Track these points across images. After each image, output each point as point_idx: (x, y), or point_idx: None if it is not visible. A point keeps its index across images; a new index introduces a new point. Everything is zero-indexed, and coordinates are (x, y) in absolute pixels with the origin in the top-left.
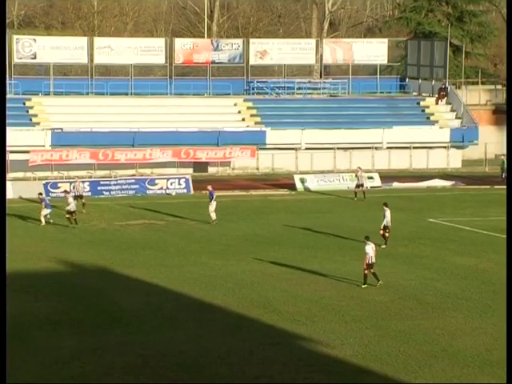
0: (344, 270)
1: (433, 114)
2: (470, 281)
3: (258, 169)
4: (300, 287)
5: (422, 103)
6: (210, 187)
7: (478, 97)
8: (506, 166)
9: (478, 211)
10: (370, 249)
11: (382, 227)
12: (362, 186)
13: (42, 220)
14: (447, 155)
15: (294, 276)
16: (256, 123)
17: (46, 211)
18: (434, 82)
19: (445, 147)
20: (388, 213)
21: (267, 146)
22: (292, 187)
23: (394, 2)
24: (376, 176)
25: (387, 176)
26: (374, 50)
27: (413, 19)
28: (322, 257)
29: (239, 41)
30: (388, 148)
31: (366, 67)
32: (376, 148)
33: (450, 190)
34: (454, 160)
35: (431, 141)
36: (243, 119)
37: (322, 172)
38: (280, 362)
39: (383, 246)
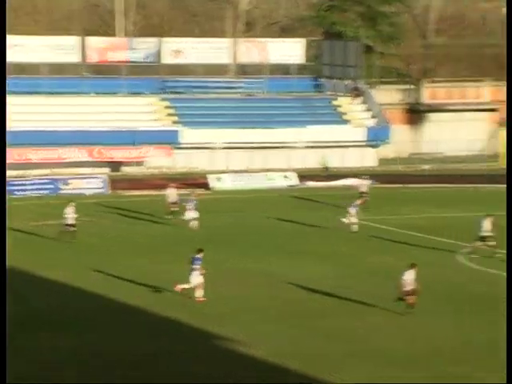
0: (262, 268)
1: (346, 114)
2: (389, 279)
3: (173, 168)
4: (220, 287)
5: (335, 102)
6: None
7: (390, 96)
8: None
9: (392, 209)
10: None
11: None
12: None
13: None
14: (362, 154)
15: (214, 276)
16: (173, 122)
17: None
18: (347, 81)
19: (359, 146)
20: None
21: (183, 146)
22: (208, 187)
23: (309, 2)
24: (292, 175)
25: (303, 175)
26: (288, 50)
27: (327, 19)
28: (239, 256)
29: (154, 40)
30: (303, 147)
31: (281, 67)
32: (291, 147)
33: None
34: (368, 159)
35: (346, 140)
36: (158, 118)
37: (238, 171)
38: (199, 361)
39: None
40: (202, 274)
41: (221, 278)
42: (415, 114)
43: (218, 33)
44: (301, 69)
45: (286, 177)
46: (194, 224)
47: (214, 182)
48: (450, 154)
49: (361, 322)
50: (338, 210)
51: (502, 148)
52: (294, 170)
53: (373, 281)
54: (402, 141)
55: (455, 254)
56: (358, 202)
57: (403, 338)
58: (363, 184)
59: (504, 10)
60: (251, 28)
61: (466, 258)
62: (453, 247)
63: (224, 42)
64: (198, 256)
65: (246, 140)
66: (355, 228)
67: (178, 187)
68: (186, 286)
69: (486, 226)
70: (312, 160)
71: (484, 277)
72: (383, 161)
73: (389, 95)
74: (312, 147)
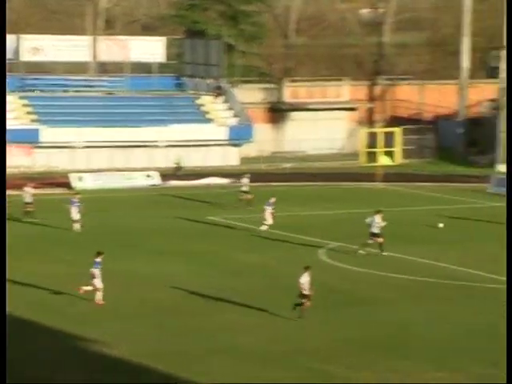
0: (125, 268)
1: (209, 113)
2: (249, 277)
3: (33, 168)
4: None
5: (198, 101)
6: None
7: (253, 95)
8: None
9: (255, 208)
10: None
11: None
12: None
13: None
14: (224, 153)
15: (77, 277)
16: (32, 121)
17: None
18: (209, 80)
19: (222, 145)
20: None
21: (44, 145)
22: (69, 186)
23: (170, 0)
24: (155, 174)
25: (166, 174)
26: (150, 48)
27: (188, 17)
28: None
29: (12, 37)
30: (166, 146)
31: (143, 65)
32: (154, 146)
33: (228, 188)
34: (230, 158)
35: (208, 138)
36: (17, 117)
37: (100, 170)
38: (59, 363)
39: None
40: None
41: (84, 279)
42: (277, 112)
43: (78, 30)
44: (162, 67)
45: (148, 176)
46: (77, 226)
47: (75, 181)
48: (311, 153)
49: (222, 320)
50: (200, 208)
51: (361, 147)
52: (156, 169)
53: (236, 279)
54: (265, 140)
55: (318, 251)
56: (272, 199)
57: (265, 336)
58: (245, 183)
59: (362, 11)
60: (112, 26)
61: (327, 255)
62: (316, 245)
63: (84, 40)
64: (98, 260)
65: (107, 139)
66: (265, 228)
67: (36, 187)
68: (89, 288)
69: (377, 221)
70: (182, 159)
71: (346, 274)
72: (245, 160)
73: (251, 94)
74: (174, 146)
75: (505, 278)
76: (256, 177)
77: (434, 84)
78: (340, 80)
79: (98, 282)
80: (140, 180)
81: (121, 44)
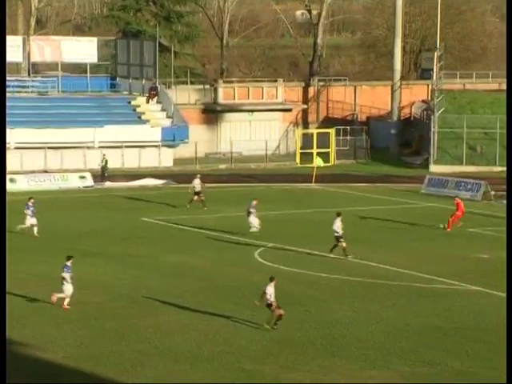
0: (53, 272)
1: (144, 113)
2: (183, 278)
3: None
4: (9, 290)
5: (132, 102)
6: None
7: (187, 96)
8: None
9: (189, 210)
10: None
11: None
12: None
13: None
14: (159, 154)
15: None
16: None
17: None
18: (144, 81)
19: (156, 146)
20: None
21: None
22: None
23: (102, 1)
24: (88, 175)
25: (99, 175)
26: (83, 49)
27: (121, 18)
28: (31, 259)
29: None
30: (100, 147)
31: (76, 66)
32: (88, 147)
33: (162, 189)
34: (165, 159)
35: (143, 140)
36: None
37: (33, 172)
38: None
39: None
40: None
41: (16, 282)
42: (211, 113)
43: (10, 30)
44: (95, 68)
45: (81, 177)
46: (34, 231)
47: (8, 183)
48: (246, 154)
49: (155, 322)
50: (136, 210)
51: (296, 148)
52: (90, 171)
53: (171, 280)
54: (199, 141)
55: (253, 252)
56: (254, 202)
57: (197, 337)
58: (197, 183)
59: (296, 12)
60: (44, 26)
61: (262, 256)
62: (251, 246)
63: (16, 40)
64: (68, 263)
65: (40, 140)
66: (255, 229)
67: None
68: (61, 295)
69: (337, 225)
70: (110, 160)
71: (281, 275)
72: (180, 161)
73: (185, 95)
74: (108, 147)
75: (436, 278)
76: (190, 178)
77: (368, 85)
78: (275, 81)
79: (68, 287)
80: (74, 181)
81: (53, 44)
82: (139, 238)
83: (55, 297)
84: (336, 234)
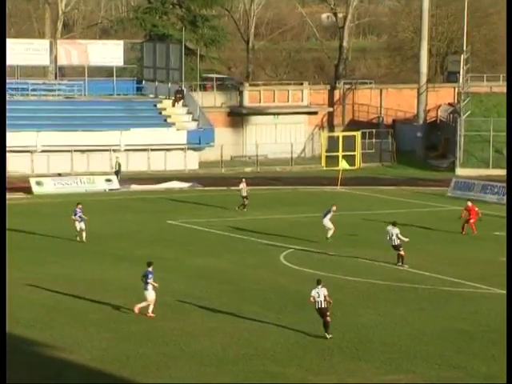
0: (81, 275)
1: (170, 117)
2: (209, 281)
3: None
4: (37, 292)
5: (159, 105)
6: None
7: (213, 99)
8: None
9: (215, 212)
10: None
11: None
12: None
13: None
14: (184, 157)
15: (31, 280)
16: None
17: None
18: (170, 84)
19: (182, 149)
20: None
21: None
22: (28, 191)
23: (129, 4)
24: (114, 178)
25: (126, 178)
26: (109, 52)
27: (147, 21)
28: (59, 261)
29: None
30: (126, 150)
31: (102, 69)
32: (114, 150)
33: (188, 192)
34: (191, 162)
35: (169, 143)
36: None
37: (60, 175)
38: (17, 369)
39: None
40: (154, 289)
41: (42, 283)
42: (237, 116)
43: (36, 34)
44: (121, 71)
45: (108, 180)
46: (83, 236)
47: (34, 186)
48: (272, 157)
49: (182, 325)
50: (161, 213)
51: (322, 150)
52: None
53: (198, 283)
54: (224, 144)
55: (279, 255)
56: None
57: (223, 340)
58: (243, 187)
59: (322, 15)
60: (71, 29)
61: (288, 259)
62: (277, 249)
63: (42, 44)
64: (150, 269)
65: (66, 143)
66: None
67: None
68: (143, 304)
69: (395, 233)
70: (135, 163)
71: (306, 278)
72: (205, 164)
73: (211, 98)
74: (135, 150)
75: (462, 281)
76: (216, 181)
77: (394, 88)
78: (300, 84)
79: (151, 294)
80: (100, 184)
81: (80, 48)
82: (166, 241)
83: (137, 308)
84: (394, 243)
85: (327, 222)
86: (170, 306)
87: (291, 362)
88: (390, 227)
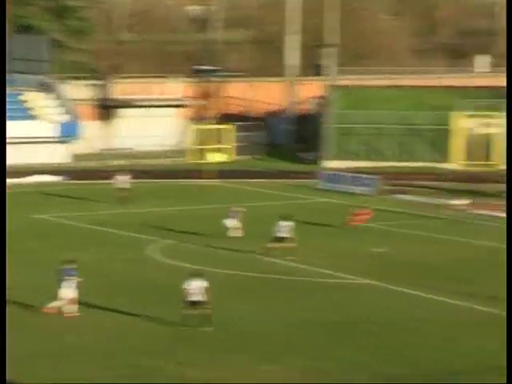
0: None
1: (37, 109)
2: (84, 275)
3: None
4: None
5: (25, 98)
6: None
7: (81, 92)
8: None
9: (85, 206)
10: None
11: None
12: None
13: None
14: (53, 150)
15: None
16: None
17: None
18: (37, 76)
19: (51, 142)
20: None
21: None
22: None
23: None
24: None
25: None
26: None
27: (14, 12)
28: None
29: None
30: None
31: None
32: None
33: (58, 185)
34: (60, 155)
35: (37, 136)
36: None
37: None
38: None
39: None
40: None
41: None
42: (105, 109)
43: None
44: None
45: None
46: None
47: None
48: (142, 150)
49: (51, 321)
50: (29, 206)
51: (191, 143)
52: None
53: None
54: (93, 136)
55: (148, 248)
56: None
57: (92, 335)
58: (126, 180)
59: (189, 7)
60: None
61: (158, 252)
62: (146, 242)
63: None
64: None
65: None
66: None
67: None
68: (57, 303)
69: (284, 225)
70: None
71: (176, 271)
72: (76, 157)
73: (79, 91)
74: None
75: (330, 272)
76: (85, 174)
77: (264, 81)
78: (170, 77)
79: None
80: None
81: None
82: (30, 235)
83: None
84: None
85: (230, 222)
86: (33, 300)
87: (165, 355)
88: (282, 221)
